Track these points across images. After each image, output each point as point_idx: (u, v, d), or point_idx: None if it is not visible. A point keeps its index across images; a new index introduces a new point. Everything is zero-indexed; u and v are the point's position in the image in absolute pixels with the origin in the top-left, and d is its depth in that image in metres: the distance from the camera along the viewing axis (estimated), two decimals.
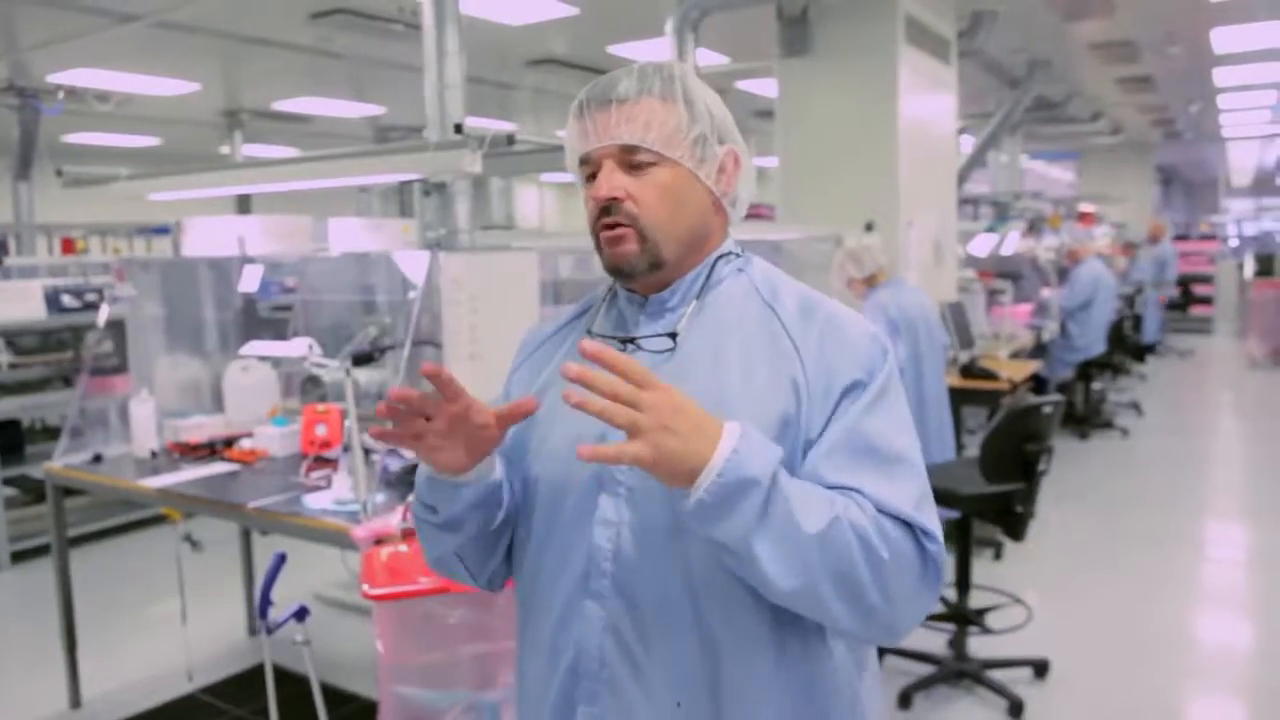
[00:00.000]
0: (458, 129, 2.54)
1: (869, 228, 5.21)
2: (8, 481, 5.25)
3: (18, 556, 5.03)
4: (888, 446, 1.11)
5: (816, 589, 1.04)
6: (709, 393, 1.13)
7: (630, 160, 1.15)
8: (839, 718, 1.18)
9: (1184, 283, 14.60)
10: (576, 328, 1.30)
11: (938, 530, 1.10)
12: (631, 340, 1.21)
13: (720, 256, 1.23)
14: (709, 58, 7.26)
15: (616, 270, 1.18)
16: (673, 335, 1.18)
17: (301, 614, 2.28)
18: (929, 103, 5.73)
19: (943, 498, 3.37)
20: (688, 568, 1.12)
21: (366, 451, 2.79)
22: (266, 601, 2.28)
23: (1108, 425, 7.62)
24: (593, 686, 1.16)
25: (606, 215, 1.16)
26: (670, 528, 1.11)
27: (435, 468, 1.14)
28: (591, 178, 1.18)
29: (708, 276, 1.22)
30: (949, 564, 3.64)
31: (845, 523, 1.04)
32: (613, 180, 1.15)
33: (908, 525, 1.08)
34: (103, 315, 3.82)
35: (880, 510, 1.07)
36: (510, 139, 2.44)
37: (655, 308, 1.22)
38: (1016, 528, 3.38)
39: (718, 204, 1.22)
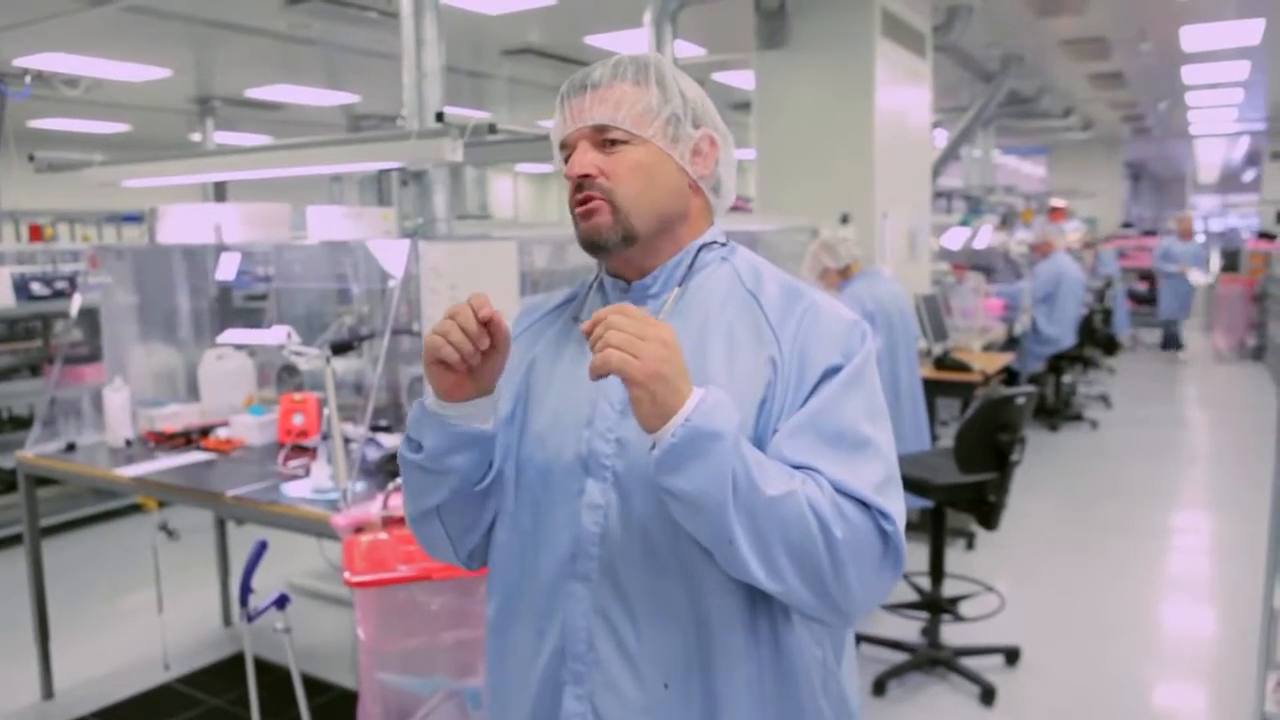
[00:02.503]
0: (439, 117, 2.53)
1: (844, 220, 5.25)
2: None
3: None
4: (854, 430, 1.12)
5: (773, 557, 1.05)
6: (692, 379, 1.15)
7: (603, 139, 1.18)
8: (812, 699, 1.20)
9: (1152, 277, 14.80)
10: (563, 314, 1.31)
11: (898, 514, 1.10)
12: None
13: (705, 245, 1.25)
14: (686, 49, 7.27)
15: (590, 243, 1.19)
16: None
17: (282, 601, 2.28)
18: (904, 96, 5.77)
19: (917, 487, 3.41)
20: (675, 551, 1.13)
21: (345, 440, 2.79)
22: (247, 589, 2.27)
23: (1077, 417, 7.73)
24: (580, 667, 1.18)
25: (579, 192, 1.18)
26: (657, 511, 1.12)
27: (441, 388, 1.14)
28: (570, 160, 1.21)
29: (690, 264, 1.23)
30: (923, 553, 3.70)
31: (802, 496, 1.05)
32: (585, 158, 1.18)
33: (867, 507, 1.09)
34: (75, 303, 3.78)
35: (840, 491, 1.08)
36: (492, 128, 2.45)
37: (638, 294, 1.23)
38: (989, 517, 3.43)
39: (695, 186, 1.23)
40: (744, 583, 1.10)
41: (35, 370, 5.71)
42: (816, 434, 1.11)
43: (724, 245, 1.27)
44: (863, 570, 1.08)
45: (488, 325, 1.10)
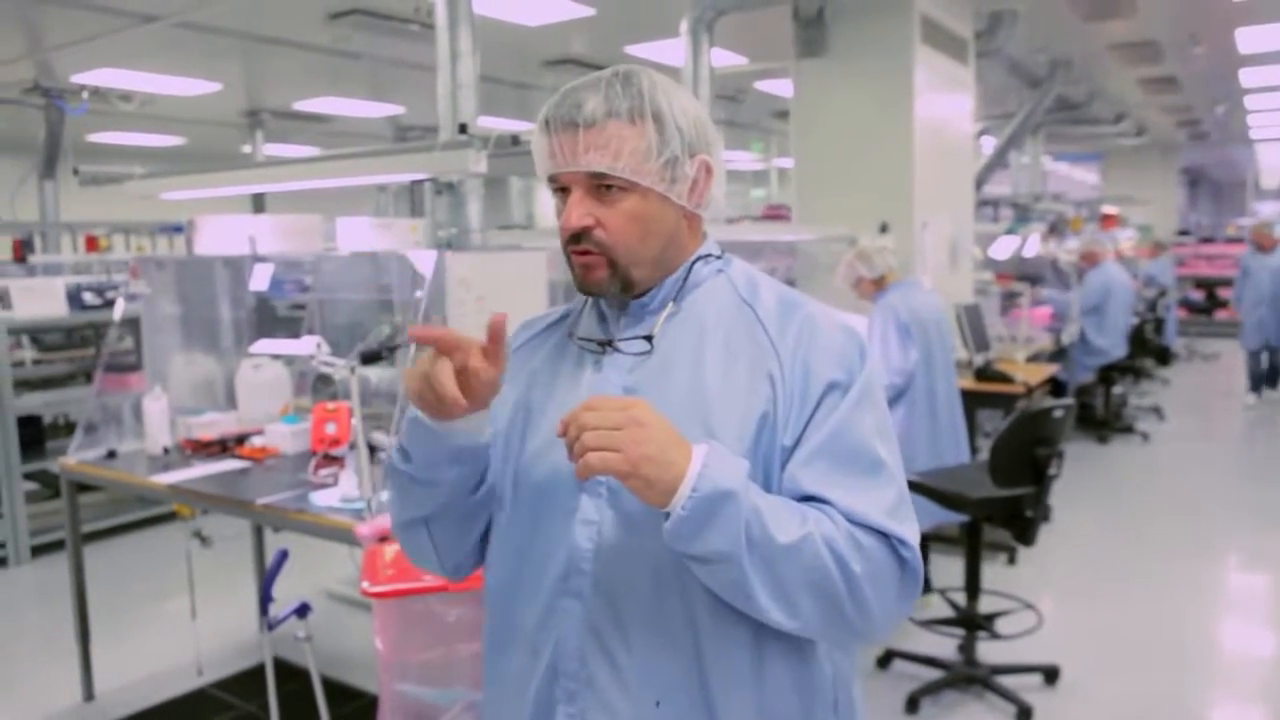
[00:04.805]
0: (463, 129, 2.54)
1: (883, 229, 5.18)
2: (29, 476, 5.32)
3: (37, 550, 5.10)
4: (867, 454, 1.12)
5: (793, 601, 1.06)
6: (688, 393, 1.14)
7: (599, 186, 1.14)
8: (825, 717, 1.19)
9: (1209, 286, 14.44)
10: (559, 329, 1.30)
11: (913, 537, 1.11)
12: (609, 343, 1.21)
13: (699, 258, 1.23)
14: (726, 58, 7.25)
15: (588, 293, 1.20)
16: (648, 338, 1.19)
17: (303, 610, 2.30)
18: (945, 103, 5.69)
19: (952, 501, 3.35)
20: (667, 567, 1.12)
21: (372, 449, 2.81)
22: (268, 598, 2.29)
23: (1128, 429, 7.54)
24: (572, 685, 1.16)
25: (576, 242, 1.16)
26: (650, 528, 1.10)
27: (431, 410, 1.09)
28: (560, 190, 1.18)
29: (685, 278, 1.22)
30: (959, 568, 3.62)
31: (817, 536, 1.05)
32: (582, 208, 1.14)
33: (884, 535, 1.09)
34: (118, 312, 3.86)
35: (855, 521, 1.08)
36: (515, 139, 2.45)
37: (636, 311, 1.22)
38: (1026, 532, 3.35)
39: (690, 214, 1.22)
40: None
41: (90, 377, 5.85)
42: (831, 461, 1.11)
43: (719, 258, 1.26)
44: (882, 598, 1.09)
45: (493, 339, 1.06)
